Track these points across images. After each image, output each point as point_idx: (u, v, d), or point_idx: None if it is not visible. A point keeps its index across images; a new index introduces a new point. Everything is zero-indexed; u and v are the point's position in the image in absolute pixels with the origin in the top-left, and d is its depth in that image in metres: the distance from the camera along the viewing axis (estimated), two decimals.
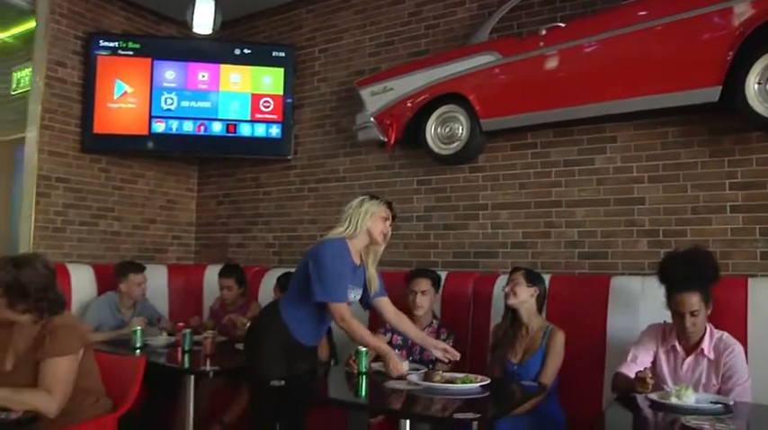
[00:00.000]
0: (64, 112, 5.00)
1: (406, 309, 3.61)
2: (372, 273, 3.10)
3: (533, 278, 3.26)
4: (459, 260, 4.35)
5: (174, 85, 5.16)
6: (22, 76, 5.56)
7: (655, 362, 2.91)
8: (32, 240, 4.74)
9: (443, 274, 3.92)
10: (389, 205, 3.10)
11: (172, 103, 5.16)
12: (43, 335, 2.46)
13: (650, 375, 2.61)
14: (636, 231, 3.76)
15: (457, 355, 3.00)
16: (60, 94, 4.99)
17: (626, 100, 3.53)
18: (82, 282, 4.53)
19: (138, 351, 3.68)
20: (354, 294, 3.04)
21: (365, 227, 2.98)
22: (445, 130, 4.19)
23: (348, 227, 2.99)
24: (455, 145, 4.18)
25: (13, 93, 5.69)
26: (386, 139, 4.40)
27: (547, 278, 3.47)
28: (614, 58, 3.55)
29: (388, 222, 3.07)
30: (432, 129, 4.24)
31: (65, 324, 2.51)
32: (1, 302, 2.44)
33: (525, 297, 3.20)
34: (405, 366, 3.04)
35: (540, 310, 3.27)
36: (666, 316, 2.92)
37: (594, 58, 3.64)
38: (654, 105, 3.47)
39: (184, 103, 5.17)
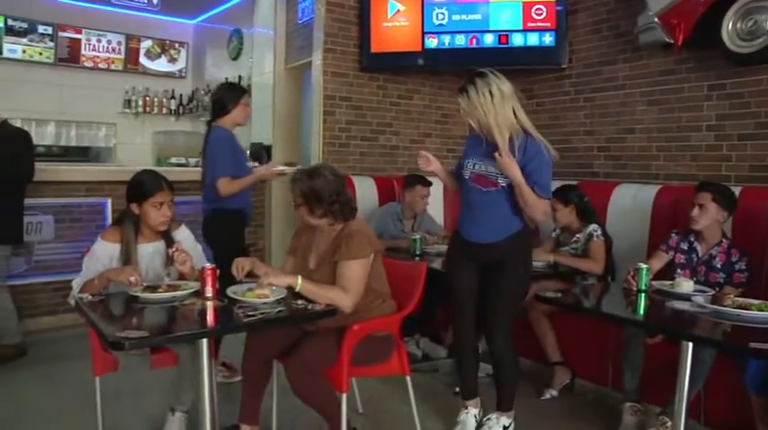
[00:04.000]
0: (344, 35, 5.32)
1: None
2: None
3: None
4: (758, 174, 3.88)
5: None
6: (306, 6, 6.01)
7: None
8: (321, 155, 5.22)
9: (737, 189, 3.54)
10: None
11: (443, 18, 5.19)
12: (340, 239, 2.70)
13: None
14: None
15: None
16: (340, 18, 5.30)
17: None
18: (365, 192, 4.89)
19: (417, 258, 3.92)
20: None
21: None
22: (747, 25, 3.66)
23: None
24: (759, 41, 3.63)
25: (300, 22, 6.18)
26: (672, 41, 3.99)
27: None
28: None
29: None
30: (730, 24, 3.73)
31: (358, 230, 2.72)
32: (302, 210, 2.73)
33: None
34: (689, 286, 2.84)
35: None
36: None
37: None
38: None
39: (455, 17, 5.18)
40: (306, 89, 6.30)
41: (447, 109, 5.87)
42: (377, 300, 2.79)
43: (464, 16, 5.17)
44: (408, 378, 2.95)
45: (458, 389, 3.66)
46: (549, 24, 4.99)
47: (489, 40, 5.12)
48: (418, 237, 4.03)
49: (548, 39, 5.00)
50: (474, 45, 5.14)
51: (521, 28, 5.04)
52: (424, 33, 5.23)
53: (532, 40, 5.03)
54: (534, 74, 5.28)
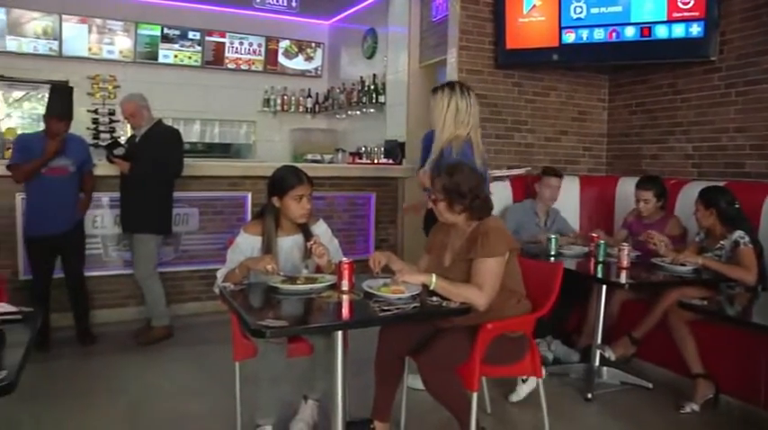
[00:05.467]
0: (478, 32, 5.27)
1: None
2: None
3: None
4: None
5: None
6: (440, 3, 6.03)
7: None
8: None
9: None
10: None
11: (581, 12, 5.01)
12: (476, 236, 2.67)
13: None
14: None
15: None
16: (474, 15, 5.26)
17: None
18: (499, 190, 4.81)
19: (552, 258, 3.82)
20: None
21: None
22: None
23: None
24: None
25: (434, 20, 6.20)
26: None
27: None
28: None
29: None
30: None
31: (495, 227, 2.68)
32: (442, 206, 2.73)
33: None
34: None
35: None
36: None
37: None
38: None
39: (594, 10, 4.98)
40: None
41: (584, 106, 5.69)
42: (511, 300, 2.75)
43: (603, 9, 4.96)
44: (540, 380, 2.88)
45: (590, 396, 3.54)
46: (697, 14, 4.67)
47: (630, 33, 4.88)
48: (554, 236, 3.93)
49: (695, 29, 4.69)
50: (613, 39, 4.92)
51: (665, 19, 4.75)
52: (561, 28, 5.07)
53: (678, 31, 4.73)
54: (679, 67, 4.98)
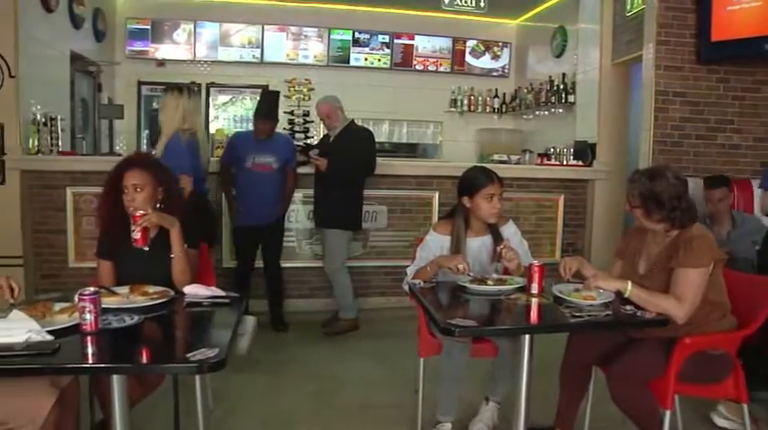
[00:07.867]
0: (678, 25, 4.97)
1: None
2: None
3: None
4: None
5: None
6: None
7: None
8: (651, 154, 4.93)
9: None
10: None
11: None
12: (677, 244, 2.52)
13: None
14: None
15: None
16: (674, 6, 4.97)
17: None
18: (695, 194, 4.48)
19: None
20: None
21: None
22: None
23: None
24: None
25: (628, 14, 5.90)
26: None
27: None
28: None
29: None
30: None
31: (699, 235, 2.52)
32: (638, 212, 2.60)
33: None
34: None
35: None
36: None
37: None
38: None
39: None
40: (634, 85, 6.01)
41: None
42: (714, 313, 2.56)
43: None
44: (745, 406, 2.64)
45: None
46: None
47: None
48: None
49: None
50: None
51: None
52: None
53: None
54: None
